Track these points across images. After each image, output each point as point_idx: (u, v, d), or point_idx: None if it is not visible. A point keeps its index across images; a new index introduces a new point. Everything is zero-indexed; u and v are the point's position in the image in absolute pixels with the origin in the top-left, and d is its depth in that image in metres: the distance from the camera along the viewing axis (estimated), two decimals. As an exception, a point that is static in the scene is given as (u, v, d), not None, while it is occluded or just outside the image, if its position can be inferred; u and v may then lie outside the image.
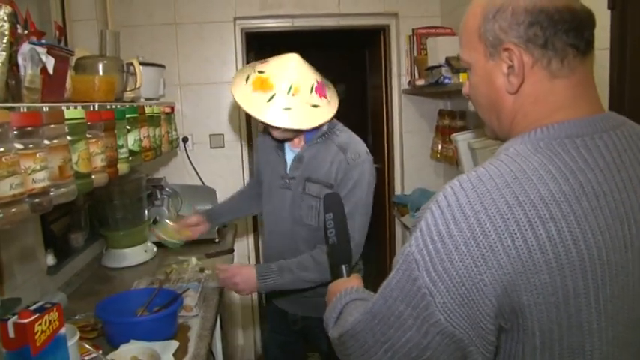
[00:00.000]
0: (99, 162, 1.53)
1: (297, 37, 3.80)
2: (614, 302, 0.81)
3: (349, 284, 1.20)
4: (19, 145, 1.05)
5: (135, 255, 2.70)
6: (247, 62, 3.64)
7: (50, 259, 2.21)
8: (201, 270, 2.46)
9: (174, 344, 1.67)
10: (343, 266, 1.34)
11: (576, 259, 0.77)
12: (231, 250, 2.84)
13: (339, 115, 2.10)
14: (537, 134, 0.87)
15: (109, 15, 3.09)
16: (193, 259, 2.61)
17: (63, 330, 1.42)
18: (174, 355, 1.63)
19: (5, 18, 1.16)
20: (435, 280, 0.80)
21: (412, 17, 3.55)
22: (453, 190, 0.82)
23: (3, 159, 0.98)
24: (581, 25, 0.88)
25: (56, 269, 2.24)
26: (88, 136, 1.47)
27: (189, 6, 3.40)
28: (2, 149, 0.99)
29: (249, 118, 3.64)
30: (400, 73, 3.67)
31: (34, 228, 2.09)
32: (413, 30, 3.39)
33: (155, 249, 2.83)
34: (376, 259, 4.48)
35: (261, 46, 6.75)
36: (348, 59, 7.32)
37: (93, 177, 1.48)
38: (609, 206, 0.81)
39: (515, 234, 0.77)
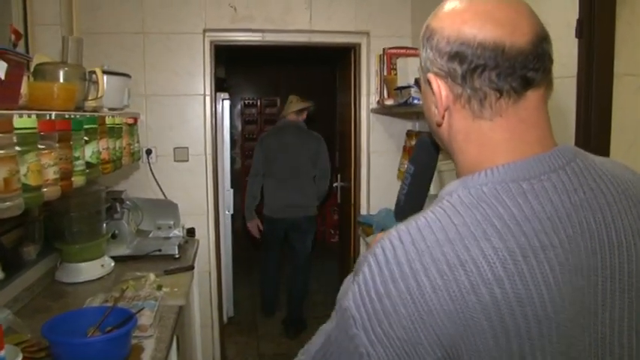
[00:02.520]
0: (51, 174, 1.45)
1: (267, 51, 3.77)
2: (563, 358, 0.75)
3: None
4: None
5: (91, 270, 2.60)
6: (215, 75, 3.58)
7: (-1, 273, 2.11)
8: (159, 287, 2.37)
9: (125, 367, 1.59)
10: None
11: (521, 320, 0.72)
12: (192, 267, 2.77)
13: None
14: (481, 178, 0.79)
15: (75, 21, 3.02)
16: (151, 276, 2.53)
17: (2, 353, 1.34)
18: (124, 379, 1.55)
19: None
20: (373, 341, 0.74)
21: (383, 37, 3.55)
22: (391, 244, 0.75)
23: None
24: (512, 65, 0.77)
25: (4, 284, 2.13)
26: (40, 146, 1.39)
27: (158, 16, 3.34)
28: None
29: (215, 131, 3.58)
30: (369, 92, 3.66)
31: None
32: (383, 49, 3.38)
33: (112, 264, 2.73)
34: (340, 279, 4.43)
35: (230, 59, 6.72)
36: (317, 76, 7.35)
37: (44, 190, 1.40)
38: (558, 259, 0.74)
39: (457, 297, 0.71)
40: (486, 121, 0.81)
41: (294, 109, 4.53)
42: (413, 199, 1.08)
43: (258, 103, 9.11)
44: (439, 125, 0.87)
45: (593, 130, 1.92)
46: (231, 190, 4.50)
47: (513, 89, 0.78)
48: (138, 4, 3.31)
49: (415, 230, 0.75)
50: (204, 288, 3.61)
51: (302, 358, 0.89)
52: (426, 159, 1.06)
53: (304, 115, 4.60)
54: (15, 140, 1.22)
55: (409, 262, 0.73)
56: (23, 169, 1.27)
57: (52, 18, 2.83)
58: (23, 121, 1.27)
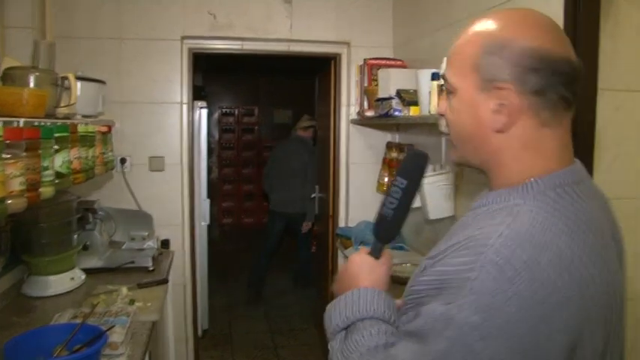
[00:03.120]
0: (17, 185, 1.37)
1: (247, 60, 3.72)
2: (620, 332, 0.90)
3: (375, 278, 1.04)
4: None
5: (60, 283, 2.50)
6: (194, 82, 3.52)
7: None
8: (132, 302, 2.29)
9: (93, 390, 1.50)
10: (375, 242, 1.10)
11: (613, 305, 0.85)
12: (166, 281, 2.68)
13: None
14: (539, 185, 0.88)
15: (48, 24, 2.93)
16: (124, 290, 2.44)
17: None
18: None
19: None
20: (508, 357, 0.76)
21: (364, 47, 3.52)
22: (505, 242, 0.78)
23: None
24: (575, 78, 0.87)
25: (-33, 298, 2.03)
26: (6, 156, 1.31)
27: (136, 21, 3.26)
28: None
29: (192, 140, 3.51)
30: (349, 103, 3.62)
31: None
32: (364, 60, 3.35)
33: (83, 277, 2.63)
34: (317, 291, 4.38)
35: (209, 67, 6.66)
36: (297, 86, 7.31)
37: (8, 202, 1.32)
38: (610, 251, 0.90)
39: (581, 286, 0.78)
40: (549, 130, 0.89)
41: (300, 125, 5.47)
42: (402, 214, 1.06)
43: (236, 112, 9.05)
44: (499, 132, 0.90)
45: (577, 144, 1.88)
46: (208, 200, 4.41)
47: (572, 100, 0.89)
48: (115, 9, 3.23)
49: (524, 232, 0.80)
50: (179, 301, 3.52)
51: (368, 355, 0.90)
52: (419, 173, 1.06)
53: (310, 132, 5.44)
54: (-23, 149, 1.15)
55: (534, 258, 0.77)
56: (-14, 181, 1.19)
57: (23, 20, 2.74)
58: (-14, 129, 1.20)
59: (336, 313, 1.00)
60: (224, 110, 9.01)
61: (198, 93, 4.70)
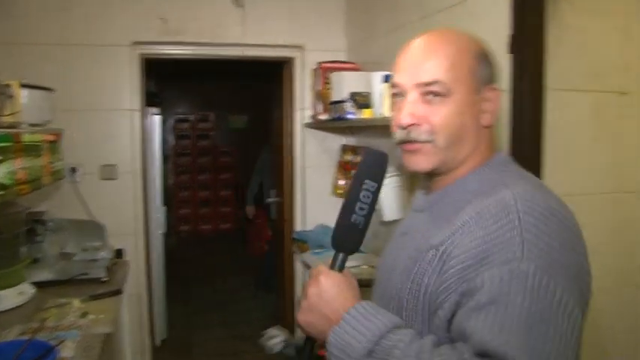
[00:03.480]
0: (-44, 198, 1.32)
1: (201, 65, 3.70)
2: None
3: (355, 293, 0.98)
4: None
5: (8, 298, 2.40)
6: (147, 89, 3.46)
7: None
8: (84, 315, 2.23)
9: (43, 407, 1.46)
10: (341, 255, 1.02)
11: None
12: (120, 291, 2.62)
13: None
14: (502, 159, 1.09)
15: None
16: (76, 302, 2.38)
17: None
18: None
19: None
20: (571, 285, 0.85)
21: (317, 51, 3.53)
22: (523, 202, 0.89)
23: None
24: None
25: None
26: (-56, 168, 1.26)
27: (84, 27, 3.19)
28: None
29: (145, 148, 3.45)
30: (303, 107, 3.63)
31: None
32: (318, 63, 3.36)
33: (33, 290, 2.54)
34: (276, 295, 4.37)
35: (162, 73, 6.56)
36: (252, 90, 7.29)
37: (-53, 216, 1.27)
38: None
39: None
40: None
41: None
42: (367, 221, 1.01)
43: (191, 119, 8.97)
44: (487, 127, 1.06)
45: (526, 142, 1.95)
46: (164, 208, 4.34)
47: None
48: (62, 14, 3.15)
49: (531, 187, 0.96)
50: (135, 312, 3.45)
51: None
52: (384, 174, 1.02)
53: None
54: None
55: (553, 204, 0.93)
56: None
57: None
58: None
59: (351, 343, 0.88)
60: (179, 116, 8.92)
61: (151, 99, 4.63)
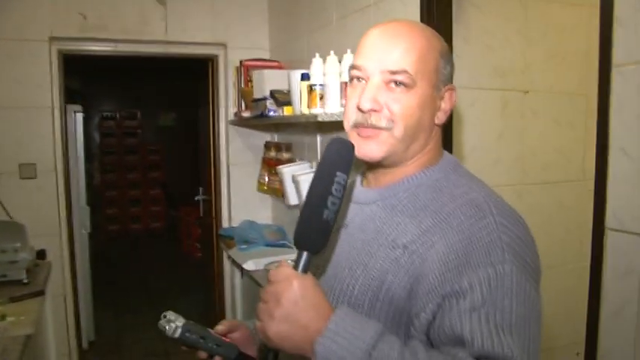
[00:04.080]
0: None
1: (126, 62, 3.67)
2: None
3: (324, 301, 0.87)
4: None
5: None
6: (68, 86, 3.40)
7: None
8: (3, 317, 2.20)
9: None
10: (306, 254, 0.89)
11: None
12: (42, 292, 2.59)
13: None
14: (452, 160, 1.10)
15: None
16: (-6, 304, 2.33)
17: None
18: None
19: None
20: (536, 284, 0.91)
21: (240, 49, 3.57)
22: (494, 204, 0.95)
23: None
24: None
25: None
26: None
27: (-2, 21, 3.10)
28: None
29: (66, 146, 3.39)
30: (227, 105, 3.67)
31: None
32: (240, 61, 3.41)
33: (-53, 295, 2.48)
34: (205, 293, 4.38)
35: (86, 69, 6.42)
36: (179, 88, 7.21)
37: None
38: None
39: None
40: None
41: None
42: (335, 217, 0.90)
43: (117, 116, 8.79)
44: (439, 125, 1.06)
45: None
46: (88, 208, 4.27)
47: None
48: (-27, 8, 3.06)
49: (492, 193, 1.00)
50: (60, 314, 3.39)
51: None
52: (351, 166, 0.91)
53: None
54: None
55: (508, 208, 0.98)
56: None
57: None
58: None
59: (345, 357, 0.80)
60: (104, 114, 8.72)
61: (73, 96, 4.53)
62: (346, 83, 2.13)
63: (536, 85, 2.32)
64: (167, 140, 8.92)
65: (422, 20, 2.05)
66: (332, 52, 2.28)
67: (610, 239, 1.38)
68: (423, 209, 0.97)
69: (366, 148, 1.00)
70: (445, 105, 1.04)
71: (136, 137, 8.94)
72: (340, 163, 0.89)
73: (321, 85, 2.30)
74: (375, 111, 0.98)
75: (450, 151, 2.10)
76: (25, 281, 2.73)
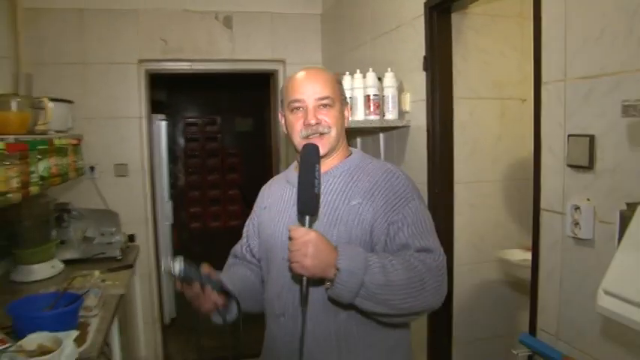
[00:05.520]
0: (14, 184, 1.92)
1: (205, 76, 4.34)
2: None
3: (328, 242, 1.36)
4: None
5: (42, 270, 3.00)
6: (155, 98, 4.06)
7: (-38, 270, 2.52)
8: (103, 281, 2.82)
9: (74, 333, 2.02)
10: (309, 217, 1.38)
11: None
12: (131, 265, 3.22)
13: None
14: (360, 151, 1.67)
15: (22, 54, 3.43)
16: (96, 273, 2.97)
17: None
18: (74, 341, 1.99)
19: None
20: (425, 204, 1.59)
21: (297, 64, 4.07)
22: (398, 171, 1.56)
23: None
24: None
25: (-33, 281, 2.54)
26: (6, 163, 1.86)
27: (97, 48, 3.80)
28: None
29: (152, 149, 4.05)
30: (287, 113, 4.20)
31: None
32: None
33: (62, 266, 3.14)
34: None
35: (173, 83, 7.18)
36: (256, 97, 7.86)
37: (9, 195, 1.87)
38: None
39: None
40: None
41: None
42: (320, 190, 1.43)
43: (199, 122, 9.55)
44: (345, 127, 1.61)
45: (439, 141, 2.50)
46: (170, 202, 4.94)
47: None
48: (78, 37, 3.76)
49: (392, 165, 1.60)
50: (146, 289, 4.05)
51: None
52: (319, 159, 1.46)
53: None
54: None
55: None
56: (-4, 179, 1.74)
57: (1, 51, 3.24)
58: (-5, 144, 1.75)
59: (354, 266, 1.31)
60: (188, 121, 9.50)
61: (159, 107, 5.23)
62: (369, 96, 2.63)
63: (532, 95, 2.68)
64: (244, 144, 9.59)
65: (425, 42, 2.50)
66: (358, 71, 2.74)
67: (543, 218, 1.79)
68: (361, 181, 1.53)
69: (320, 146, 1.51)
70: (346, 115, 1.62)
71: (216, 141, 9.66)
72: (315, 158, 1.42)
73: (350, 97, 2.76)
74: (318, 124, 1.52)
75: (451, 152, 2.54)
76: (119, 258, 3.38)
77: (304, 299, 1.36)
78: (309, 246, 1.31)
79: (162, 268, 1.59)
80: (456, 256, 2.55)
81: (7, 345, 1.89)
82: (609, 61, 1.50)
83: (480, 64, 2.57)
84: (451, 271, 2.51)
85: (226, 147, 9.61)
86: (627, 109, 1.20)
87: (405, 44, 2.69)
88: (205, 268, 1.53)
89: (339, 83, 1.60)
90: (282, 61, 4.15)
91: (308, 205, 1.38)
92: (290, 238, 1.35)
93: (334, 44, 3.92)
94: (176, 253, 5.09)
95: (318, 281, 1.37)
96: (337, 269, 1.31)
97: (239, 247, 1.88)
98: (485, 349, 2.61)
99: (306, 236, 1.32)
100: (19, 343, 1.89)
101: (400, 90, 2.72)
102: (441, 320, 2.55)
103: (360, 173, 1.55)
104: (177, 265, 1.43)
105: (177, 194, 8.05)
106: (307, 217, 1.38)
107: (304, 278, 1.35)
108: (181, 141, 9.43)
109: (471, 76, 2.56)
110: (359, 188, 1.51)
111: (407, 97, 2.70)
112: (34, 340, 1.91)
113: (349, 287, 1.31)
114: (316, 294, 1.43)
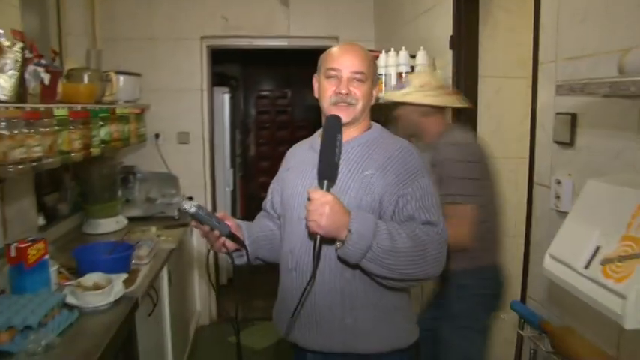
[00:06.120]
0: (77, 145, 2.25)
1: (273, 52, 4.62)
2: None
3: (342, 205, 1.49)
4: (25, 130, 1.77)
5: (108, 225, 3.40)
6: (211, 73, 4.37)
7: (41, 220, 2.92)
8: (158, 236, 3.17)
9: (124, 275, 2.34)
10: (327, 182, 1.49)
11: None
12: (186, 224, 3.56)
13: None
14: (380, 126, 1.77)
15: (97, 31, 3.82)
16: (153, 229, 3.33)
17: (47, 257, 2.14)
18: (124, 282, 2.31)
19: (19, 51, 1.88)
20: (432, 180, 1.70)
21: (350, 40, 4.23)
22: (411, 146, 1.69)
23: (16, 137, 1.70)
24: None
25: (45, 228, 2.95)
26: (70, 127, 2.19)
27: (164, 25, 4.14)
28: (16, 131, 1.72)
29: (212, 119, 4.37)
30: (340, 87, 4.40)
31: (29, 195, 2.79)
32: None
33: (126, 222, 3.53)
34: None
35: (247, 58, 7.53)
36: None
37: (72, 155, 2.21)
38: None
39: None
40: None
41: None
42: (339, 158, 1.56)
43: (270, 95, 9.87)
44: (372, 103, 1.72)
45: (464, 119, 2.63)
46: (231, 170, 5.29)
47: None
48: (147, 15, 4.11)
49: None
50: (204, 248, 4.40)
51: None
52: (341, 129, 1.59)
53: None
54: (55, 123, 2.02)
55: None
56: (60, 140, 2.07)
57: (78, 29, 3.63)
58: (59, 111, 2.07)
59: (365, 228, 1.45)
60: (260, 94, 9.84)
61: (226, 80, 5.55)
62: (400, 74, 2.79)
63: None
64: (313, 118, 9.85)
65: (453, 24, 2.62)
66: (392, 49, 2.90)
67: (535, 191, 1.93)
68: (376, 154, 1.64)
69: (341, 115, 1.62)
70: (375, 92, 1.72)
71: (286, 114, 9.97)
72: (337, 128, 1.56)
73: (384, 75, 2.93)
74: (347, 94, 1.62)
75: (476, 128, 2.66)
76: (176, 217, 3.73)
77: (317, 255, 1.48)
78: (325, 207, 1.43)
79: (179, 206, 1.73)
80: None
81: (69, 282, 2.26)
82: (589, 42, 1.61)
83: (509, 44, 2.64)
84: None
85: (296, 120, 9.90)
86: (559, 89, 1.33)
87: (438, 23, 2.82)
88: (220, 214, 1.68)
89: (374, 62, 1.72)
90: (336, 38, 4.32)
91: (327, 172, 1.50)
92: (309, 199, 1.47)
93: (384, 22, 4.07)
94: (243, 219, 5.44)
95: (329, 241, 1.50)
96: (349, 231, 1.44)
97: (265, 203, 2.01)
98: (499, 325, 2.75)
99: (323, 198, 1.45)
100: (79, 280, 2.24)
101: (432, 68, 2.86)
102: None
103: (377, 147, 1.66)
104: (187, 206, 1.55)
105: (248, 165, 8.41)
106: (325, 182, 1.50)
107: (318, 236, 1.47)
108: (253, 113, 9.79)
109: (499, 55, 2.65)
110: (374, 160, 1.62)
111: (438, 75, 2.83)
112: (91, 278, 2.26)
113: (358, 248, 1.45)
114: (326, 252, 1.56)
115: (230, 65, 7.46)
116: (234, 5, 4.19)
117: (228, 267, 5.32)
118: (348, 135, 1.68)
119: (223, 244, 1.67)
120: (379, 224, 1.48)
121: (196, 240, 4.17)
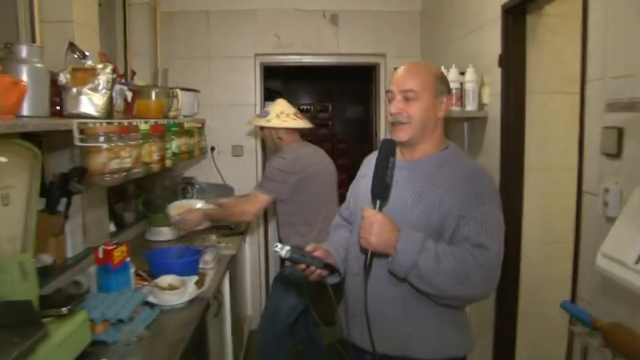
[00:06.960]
0: (155, 157, 2.46)
1: (315, 68, 4.80)
2: None
3: (393, 223, 1.58)
4: (119, 143, 1.98)
5: (169, 233, 3.60)
6: (265, 89, 4.57)
7: (112, 227, 3.15)
8: (218, 242, 3.36)
9: (195, 277, 2.53)
10: (379, 201, 1.59)
11: None
12: (242, 233, 3.75)
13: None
14: (456, 146, 1.83)
15: (159, 51, 4.06)
16: (213, 236, 3.52)
17: (128, 259, 2.33)
18: (195, 284, 2.50)
19: (109, 72, 2.09)
20: (500, 206, 1.73)
21: (397, 57, 4.42)
22: (482, 170, 1.74)
23: (113, 149, 1.91)
24: None
25: (116, 234, 3.17)
26: (150, 141, 2.40)
27: (220, 44, 4.37)
28: (112, 144, 1.92)
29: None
30: (387, 104, 4.54)
31: (103, 204, 3.02)
32: (395, 68, 4.23)
33: (185, 230, 3.73)
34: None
35: (289, 73, 7.77)
36: (361, 86, 8.26)
37: (152, 165, 2.41)
38: None
39: None
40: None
41: None
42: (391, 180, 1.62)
43: (312, 109, 10.07)
44: (440, 118, 1.75)
45: (512, 133, 2.74)
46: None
47: None
48: (205, 35, 4.35)
49: (479, 165, 1.81)
50: (255, 256, 4.60)
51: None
52: (395, 152, 1.63)
53: None
54: (139, 136, 2.23)
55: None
56: (143, 152, 2.27)
57: (143, 49, 3.89)
58: (144, 126, 2.28)
59: (410, 249, 1.53)
60: (302, 107, 10.04)
61: (275, 94, 5.76)
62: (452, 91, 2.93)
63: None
64: (353, 131, 10.02)
65: (502, 43, 2.75)
66: (442, 67, 3.03)
67: (584, 199, 2.03)
68: (449, 173, 1.69)
69: (397, 135, 1.73)
70: (443, 106, 1.73)
71: (328, 128, 10.14)
72: (390, 150, 1.60)
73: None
74: (398, 113, 1.70)
75: (522, 141, 2.77)
76: (232, 227, 3.91)
77: (368, 268, 1.59)
78: (374, 226, 1.54)
79: (273, 250, 1.87)
80: (524, 234, 2.79)
81: (147, 283, 2.45)
82: (633, 62, 1.73)
83: (553, 62, 2.75)
84: (519, 247, 2.77)
85: (337, 133, 10.07)
86: (610, 107, 1.45)
87: (486, 42, 2.96)
88: (310, 248, 1.77)
89: (435, 77, 1.72)
90: (384, 55, 4.49)
91: (379, 191, 1.59)
92: (362, 217, 1.60)
93: (431, 40, 4.21)
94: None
95: (382, 255, 1.59)
96: (395, 249, 1.55)
97: (343, 208, 2.12)
98: (550, 325, 2.84)
99: (373, 217, 1.56)
100: (155, 280, 2.43)
101: (480, 84, 2.99)
102: (507, 295, 2.82)
103: (450, 166, 1.71)
104: (284, 252, 1.64)
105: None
106: (378, 202, 1.59)
107: (369, 251, 1.58)
108: (295, 127, 9.97)
109: (546, 72, 2.76)
110: (445, 179, 1.67)
111: (486, 91, 2.96)
112: (165, 280, 2.45)
113: (403, 265, 1.54)
114: (384, 265, 1.64)
115: (272, 81, 7.70)
116: (286, 24, 4.39)
117: (276, 267, 5.49)
118: (421, 152, 1.76)
119: (319, 274, 1.77)
120: (427, 244, 1.55)
121: (249, 247, 4.36)
